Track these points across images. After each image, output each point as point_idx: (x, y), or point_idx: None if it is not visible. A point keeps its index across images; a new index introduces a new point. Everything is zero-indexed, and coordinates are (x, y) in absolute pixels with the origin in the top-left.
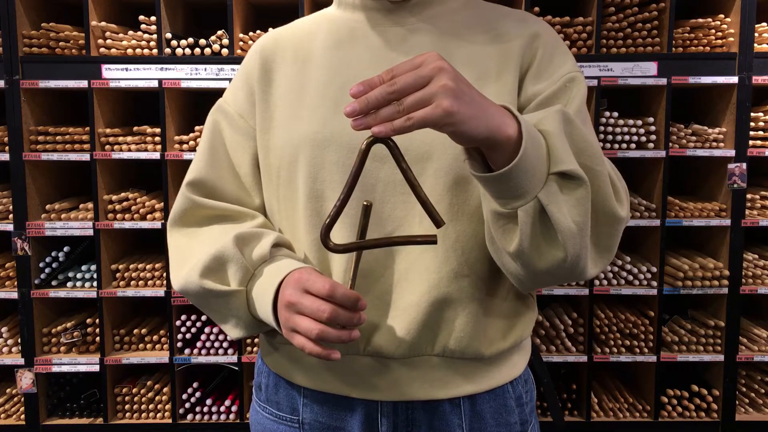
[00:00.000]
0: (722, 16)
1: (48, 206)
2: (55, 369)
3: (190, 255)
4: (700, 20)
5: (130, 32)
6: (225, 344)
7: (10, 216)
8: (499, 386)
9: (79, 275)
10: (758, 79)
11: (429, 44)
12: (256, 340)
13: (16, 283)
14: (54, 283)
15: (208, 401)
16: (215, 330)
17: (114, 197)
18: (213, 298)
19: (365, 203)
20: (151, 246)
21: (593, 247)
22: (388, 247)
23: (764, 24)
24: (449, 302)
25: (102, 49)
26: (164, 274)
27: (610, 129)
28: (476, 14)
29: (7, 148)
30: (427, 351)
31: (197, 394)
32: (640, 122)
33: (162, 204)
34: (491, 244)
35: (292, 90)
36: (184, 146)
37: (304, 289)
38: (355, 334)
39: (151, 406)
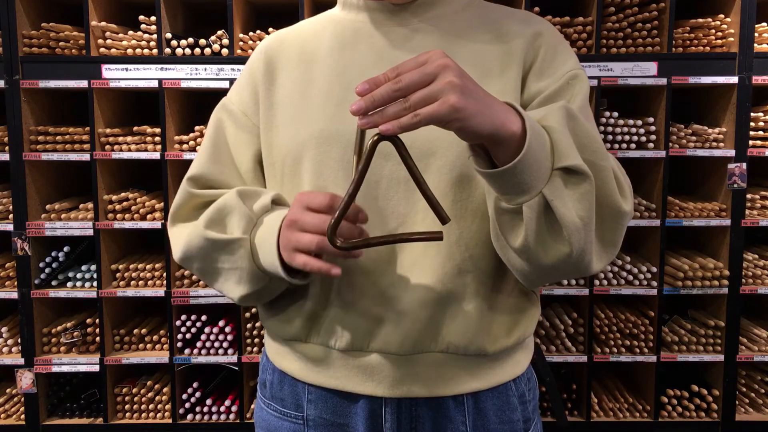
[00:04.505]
0: (722, 16)
1: (48, 206)
2: (55, 369)
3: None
4: (700, 20)
5: (130, 32)
6: (225, 344)
7: (10, 216)
8: (503, 383)
9: (79, 275)
10: (758, 79)
11: (432, 44)
12: (256, 339)
13: (16, 283)
14: (54, 283)
15: (208, 401)
16: (215, 330)
17: (114, 197)
18: (216, 252)
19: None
20: (151, 246)
21: (598, 242)
22: (392, 244)
23: (764, 24)
24: (453, 298)
25: (102, 49)
26: (164, 274)
27: (610, 129)
28: (479, 14)
29: (7, 148)
30: (431, 347)
31: (197, 394)
32: (640, 122)
33: (162, 204)
34: (496, 240)
35: (296, 90)
36: (184, 146)
37: (306, 206)
38: (357, 253)
39: (151, 406)
